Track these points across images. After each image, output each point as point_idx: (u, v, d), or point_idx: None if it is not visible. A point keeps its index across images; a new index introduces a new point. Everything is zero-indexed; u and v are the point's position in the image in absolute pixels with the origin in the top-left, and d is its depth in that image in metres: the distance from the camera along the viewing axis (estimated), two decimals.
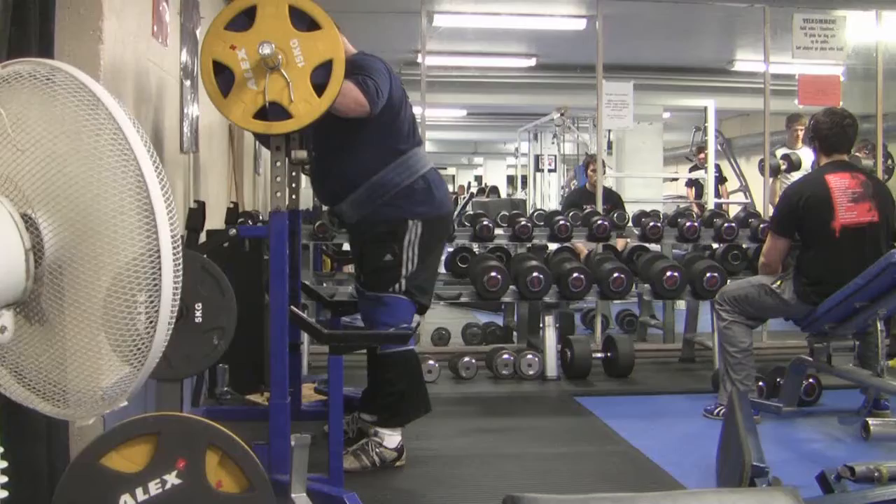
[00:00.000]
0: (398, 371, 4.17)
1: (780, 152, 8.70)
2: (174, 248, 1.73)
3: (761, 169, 8.11)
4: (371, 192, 4.08)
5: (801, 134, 8.38)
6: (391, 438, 4.14)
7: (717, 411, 5.02)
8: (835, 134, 4.87)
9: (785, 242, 4.93)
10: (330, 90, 3.35)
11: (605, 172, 8.39)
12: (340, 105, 3.62)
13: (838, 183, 4.76)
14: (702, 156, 11.38)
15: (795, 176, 7.80)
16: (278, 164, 3.53)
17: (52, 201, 1.71)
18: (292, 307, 3.69)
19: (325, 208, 4.73)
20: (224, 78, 3.33)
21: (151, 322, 1.77)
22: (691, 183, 12.49)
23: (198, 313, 2.93)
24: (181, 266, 1.76)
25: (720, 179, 11.45)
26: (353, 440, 4.23)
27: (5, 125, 1.72)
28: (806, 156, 8.81)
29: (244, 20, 3.34)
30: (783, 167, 7.61)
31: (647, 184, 12.83)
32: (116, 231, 1.70)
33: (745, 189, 11.97)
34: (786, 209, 4.95)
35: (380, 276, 4.12)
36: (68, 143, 1.70)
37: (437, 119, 17.30)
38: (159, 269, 1.71)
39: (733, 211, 10.07)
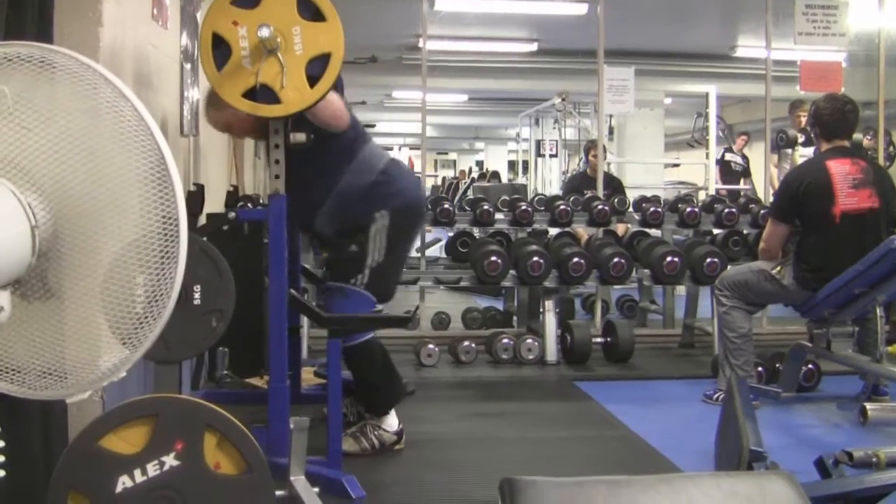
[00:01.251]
0: (364, 363, 4.13)
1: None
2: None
3: (773, 146, 8.06)
4: (338, 202, 4.02)
5: (803, 120, 8.37)
6: (388, 421, 4.15)
7: (716, 396, 5.03)
8: (835, 119, 4.86)
9: (785, 228, 4.92)
10: (323, 83, 3.35)
11: (606, 158, 8.39)
12: (321, 110, 3.62)
13: (839, 169, 4.75)
14: (743, 138, 11.26)
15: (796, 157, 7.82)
16: (277, 147, 3.53)
17: (60, 179, 1.71)
18: (292, 290, 3.69)
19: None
20: (221, 52, 3.33)
21: (152, 303, 1.78)
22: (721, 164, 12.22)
23: (196, 295, 2.93)
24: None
25: (746, 172, 11.40)
26: (353, 423, 4.23)
27: (8, 103, 1.72)
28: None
29: None
30: (780, 144, 7.59)
31: (647, 169, 12.81)
32: (125, 208, 1.70)
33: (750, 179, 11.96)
34: (786, 195, 4.95)
35: (344, 265, 4.06)
36: (84, 121, 1.70)
37: (439, 104, 17.30)
38: (177, 241, 1.71)
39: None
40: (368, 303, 4.04)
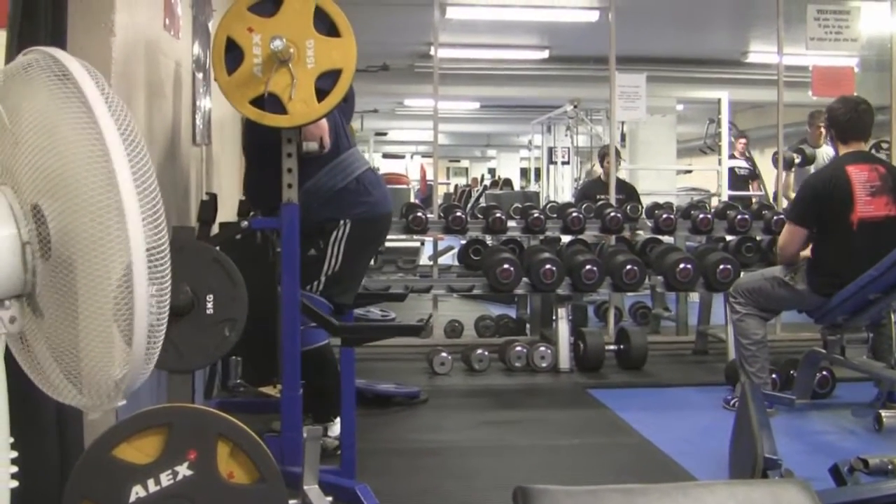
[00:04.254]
0: (317, 369, 4.04)
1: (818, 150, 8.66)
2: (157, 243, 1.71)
3: (774, 162, 8.08)
4: (306, 198, 3.93)
5: (823, 131, 8.36)
6: (334, 427, 4.10)
7: (732, 402, 5.01)
8: (849, 120, 4.83)
9: (803, 232, 4.84)
10: (331, 99, 3.35)
11: (619, 164, 8.38)
12: (309, 128, 3.64)
13: (858, 175, 4.71)
14: (742, 141, 11.17)
15: (811, 170, 7.80)
16: (290, 155, 3.53)
17: (52, 191, 1.70)
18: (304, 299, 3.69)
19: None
20: (233, 56, 3.33)
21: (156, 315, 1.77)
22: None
23: (209, 305, 2.94)
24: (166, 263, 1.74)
25: (753, 175, 11.35)
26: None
27: (3, 119, 1.72)
28: (825, 153, 8.82)
29: (269, 6, 3.34)
30: (797, 160, 7.58)
31: (660, 176, 12.78)
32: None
33: (760, 182, 11.91)
34: (806, 199, 4.90)
35: (301, 270, 4.06)
36: (49, 135, 1.69)
37: (450, 111, 17.29)
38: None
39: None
40: (323, 308, 3.98)
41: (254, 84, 3.31)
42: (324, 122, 3.74)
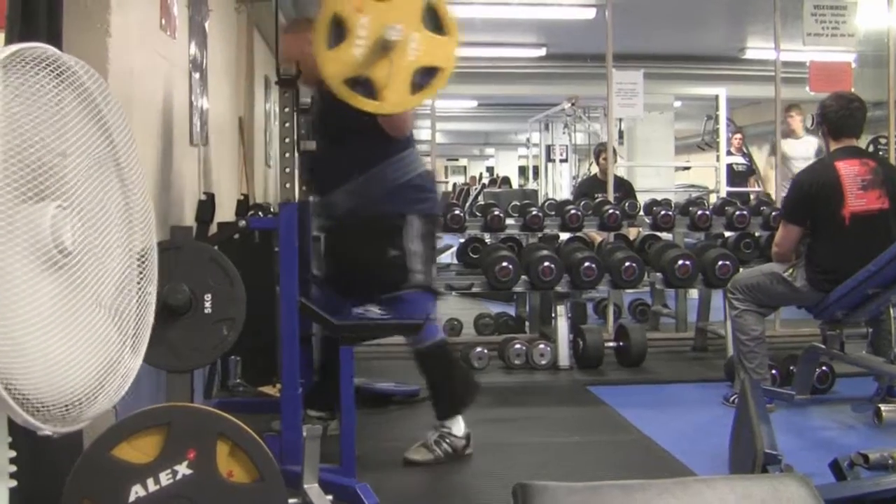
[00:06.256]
0: (433, 365, 4.15)
1: (782, 142, 8.71)
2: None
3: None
4: (368, 184, 4.05)
5: (797, 123, 8.49)
6: (457, 426, 4.12)
7: (732, 399, 5.01)
8: (842, 117, 4.84)
9: (797, 230, 4.89)
10: (423, 94, 3.32)
11: (616, 161, 8.38)
12: (396, 118, 3.75)
13: (848, 170, 4.73)
14: (738, 136, 11.24)
15: (796, 165, 7.89)
16: (287, 155, 3.53)
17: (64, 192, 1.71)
18: (303, 298, 3.69)
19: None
20: (334, 32, 3.28)
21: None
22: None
23: (207, 304, 2.94)
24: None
25: (751, 171, 11.37)
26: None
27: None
28: (804, 145, 8.93)
29: None
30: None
31: (658, 173, 12.79)
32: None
33: (757, 177, 11.93)
34: (796, 197, 4.94)
35: (388, 273, 4.07)
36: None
37: (448, 110, 17.29)
38: None
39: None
40: (430, 301, 4.13)
41: (352, 64, 3.26)
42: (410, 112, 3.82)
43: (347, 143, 4.01)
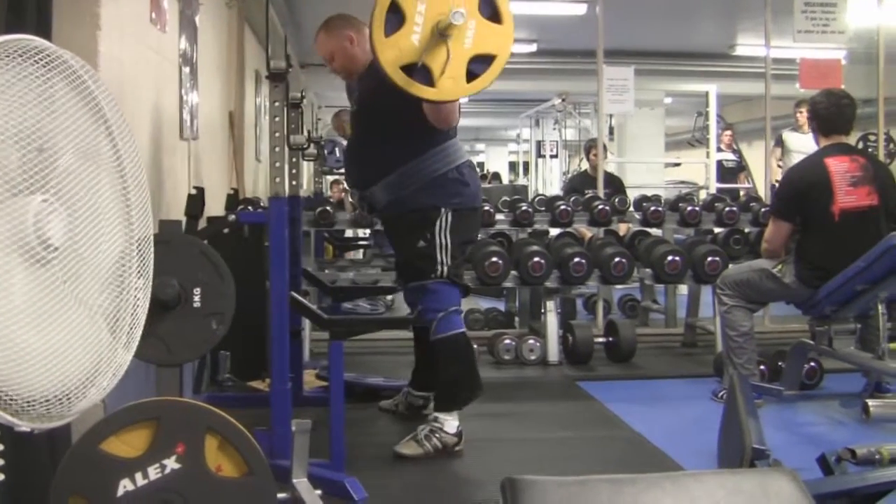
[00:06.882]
0: (448, 356, 4.14)
1: (785, 133, 8.74)
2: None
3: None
4: (404, 178, 4.05)
5: (804, 118, 8.44)
6: (450, 423, 4.12)
7: (721, 395, 5.02)
8: (831, 114, 4.86)
9: (787, 226, 4.91)
10: (480, 82, 3.32)
11: (606, 157, 8.38)
12: (444, 108, 3.74)
13: (837, 166, 4.75)
14: (728, 133, 11.25)
15: (794, 158, 7.89)
16: (277, 149, 3.53)
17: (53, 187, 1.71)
18: (293, 293, 3.69)
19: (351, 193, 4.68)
20: (393, 19, 3.25)
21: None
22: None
23: (196, 298, 2.93)
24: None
25: (740, 167, 11.41)
26: (403, 415, 4.36)
27: None
28: (809, 140, 8.91)
29: None
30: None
31: (648, 169, 12.80)
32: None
33: (747, 174, 11.96)
34: (786, 193, 4.96)
35: (417, 263, 4.09)
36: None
37: None
38: None
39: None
40: (455, 293, 4.12)
41: (409, 51, 3.24)
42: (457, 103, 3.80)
43: (389, 135, 4.01)
